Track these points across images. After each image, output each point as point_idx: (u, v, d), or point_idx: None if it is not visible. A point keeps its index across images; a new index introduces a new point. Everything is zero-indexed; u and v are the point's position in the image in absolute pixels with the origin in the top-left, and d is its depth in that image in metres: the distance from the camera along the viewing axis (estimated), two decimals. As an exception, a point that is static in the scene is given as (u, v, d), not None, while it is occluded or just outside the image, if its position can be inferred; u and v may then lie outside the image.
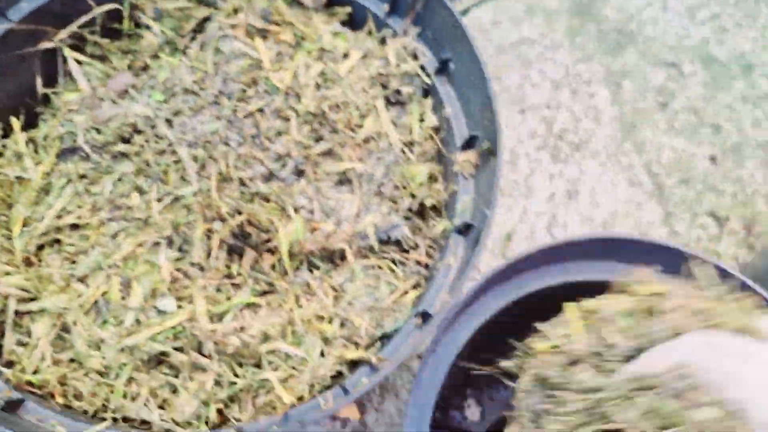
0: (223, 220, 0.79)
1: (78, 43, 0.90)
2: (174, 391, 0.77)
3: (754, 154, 1.49)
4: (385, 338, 0.78)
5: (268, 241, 0.80)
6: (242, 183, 0.82)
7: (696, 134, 1.50)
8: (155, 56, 0.94)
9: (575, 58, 1.57)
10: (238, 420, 0.76)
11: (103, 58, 0.92)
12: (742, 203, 1.42)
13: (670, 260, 0.88)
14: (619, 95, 1.53)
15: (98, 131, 0.84)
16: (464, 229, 0.79)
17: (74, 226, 0.83)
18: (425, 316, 0.74)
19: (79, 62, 0.91)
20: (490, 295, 0.87)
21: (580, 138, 1.46)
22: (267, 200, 0.82)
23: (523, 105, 1.48)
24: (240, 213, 0.78)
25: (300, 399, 0.75)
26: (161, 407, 0.76)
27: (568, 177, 1.41)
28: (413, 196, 0.85)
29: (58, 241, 0.83)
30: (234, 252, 0.81)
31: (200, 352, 0.76)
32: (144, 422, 0.75)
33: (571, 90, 1.52)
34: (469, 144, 0.85)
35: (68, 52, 0.89)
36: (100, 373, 0.77)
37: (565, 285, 0.90)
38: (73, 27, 0.88)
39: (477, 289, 0.83)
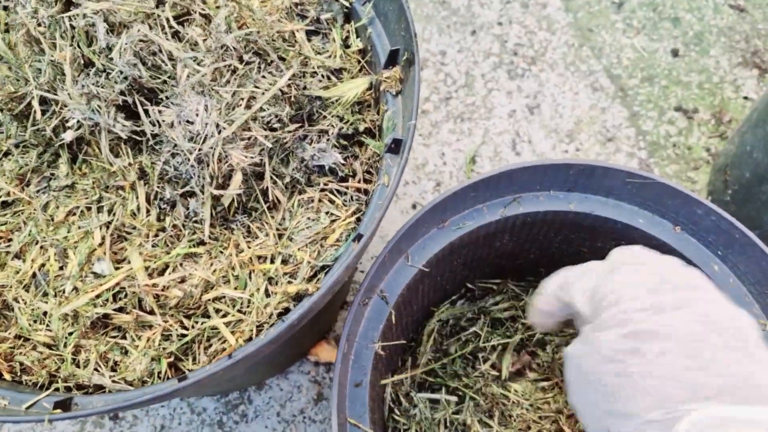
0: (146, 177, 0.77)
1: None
2: (125, 352, 0.76)
3: (718, 41, 1.44)
4: (327, 268, 0.76)
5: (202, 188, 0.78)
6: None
7: (656, 30, 1.46)
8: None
9: (521, -31, 1.52)
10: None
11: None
12: (710, 92, 1.39)
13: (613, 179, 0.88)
14: (572, 1, 1.48)
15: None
16: (394, 146, 0.76)
17: (5, 204, 0.82)
18: (359, 238, 0.72)
19: None
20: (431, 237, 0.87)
21: (536, 51, 1.42)
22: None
23: (474, 25, 1.44)
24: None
25: (249, 340, 0.73)
26: (113, 369, 0.75)
27: (528, 92, 1.37)
28: (343, 120, 0.83)
29: (-11, 221, 0.81)
30: (166, 203, 0.79)
31: (143, 309, 0.75)
32: (98, 386, 0.74)
33: (522, 3, 1.47)
34: (391, 60, 0.82)
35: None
36: (48, 346, 0.76)
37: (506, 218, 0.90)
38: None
39: (409, 226, 0.82)
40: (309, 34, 0.86)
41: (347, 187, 0.82)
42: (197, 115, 0.71)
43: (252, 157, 0.73)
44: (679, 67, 1.42)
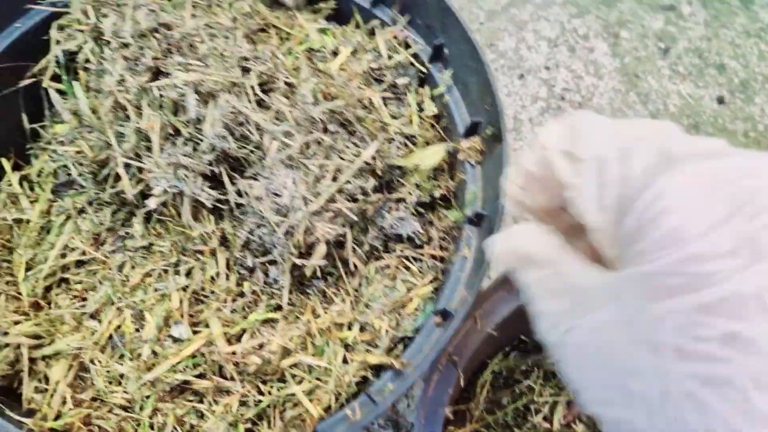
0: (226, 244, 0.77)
1: (60, 73, 0.87)
2: (201, 416, 0.76)
3: (763, 89, 1.45)
4: (406, 338, 0.76)
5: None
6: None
7: (701, 77, 1.46)
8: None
9: (569, 13, 1.52)
10: (268, 438, 0.75)
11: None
12: (755, 141, 1.39)
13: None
14: (619, 46, 1.48)
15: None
16: (476, 219, 0.77)
17: (80, 263, 0.82)
18: (445, 314, 0.72)
19: (62, 93, 0.88)
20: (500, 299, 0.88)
21: (583, 95, 1.42)
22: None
23: (522, 69, 1.44)
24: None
25: (327, 409, 0.74)
26: (190, 434, 0.75)
27: (575, 138, 1.37)
28: (420, 187, 0.83)
29: (65, 280, 0.81)
30: (246, 269, 0.80)
31: (222, 375, 0.75)
32: (174, 452, 0.75)
33: (569, 47, 1.48)
34: (472, 130, 0.82)
35: (47, 83, 0.86)
36: (124, 408, 0.76)
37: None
38: (44, 62, 0.85)
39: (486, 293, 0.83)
40: (384, 99, 0.86)
41: (422, 254, 0.82)
42: (285, 188, 0.71)
43: (336, 230, 0.73)
44: (725, 114, 1.42)
